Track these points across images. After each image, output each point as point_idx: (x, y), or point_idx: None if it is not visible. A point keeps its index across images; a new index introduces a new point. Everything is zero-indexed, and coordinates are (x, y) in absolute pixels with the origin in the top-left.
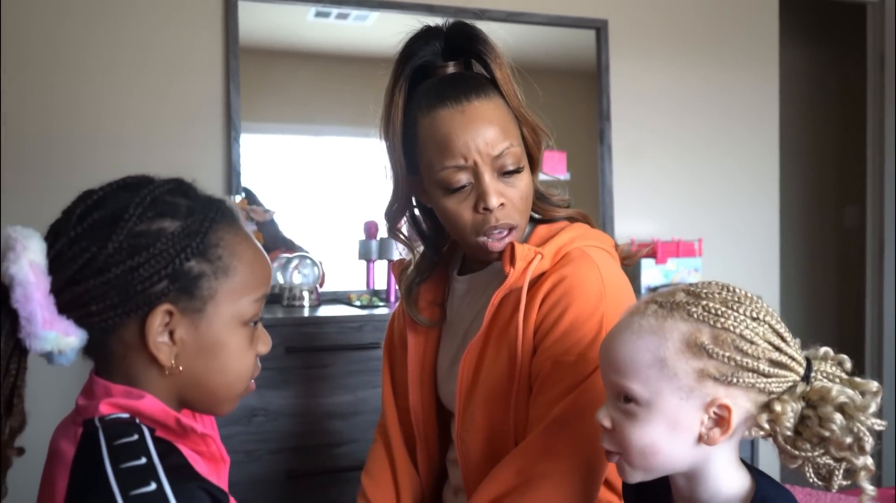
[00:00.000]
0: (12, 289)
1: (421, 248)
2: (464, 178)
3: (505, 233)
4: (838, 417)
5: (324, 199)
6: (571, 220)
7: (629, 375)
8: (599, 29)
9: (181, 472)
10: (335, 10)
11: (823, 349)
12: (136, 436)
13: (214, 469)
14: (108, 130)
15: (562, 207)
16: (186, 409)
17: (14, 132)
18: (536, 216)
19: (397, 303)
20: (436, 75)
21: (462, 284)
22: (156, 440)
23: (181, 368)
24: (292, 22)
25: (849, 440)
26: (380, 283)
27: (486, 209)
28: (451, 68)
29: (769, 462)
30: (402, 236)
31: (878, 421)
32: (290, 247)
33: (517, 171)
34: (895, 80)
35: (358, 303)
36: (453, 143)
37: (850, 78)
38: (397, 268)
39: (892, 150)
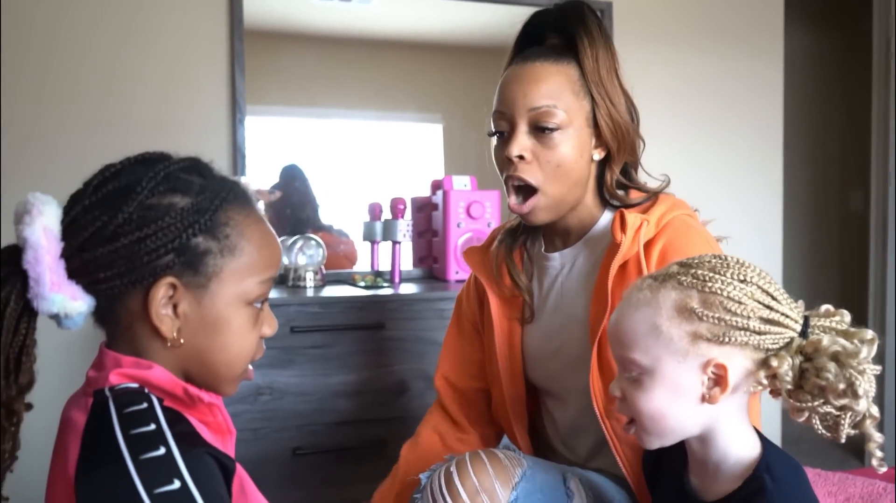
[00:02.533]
0: (24, 251)
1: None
2: (503, 125)
3: (525, 191)
4: (832, 366)
5: (329, 181)
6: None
7: (630, 346)
8: (603, 11)
9: (189, 439)
10: None
11: (825, 307)
12: (145, 405)
13: (220, 440)
14: (113, 114)
15: (645, 191)
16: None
17: (17, 116)
18: (615, 203)
19: (463, 289)
20: (543, 44)
21: (555, 262)
22: (164, 409)
23: (182, 342)
24: (297, 4)
25: (842, 386)
26: (384, 264)
27: (507, 157)
28: (553, 40)
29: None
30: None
31: (872, 366)
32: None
33: (552, 130)
34: None
35: (362, 283)
36: (503, 92)
37: (855, 63)
38: (481, 248)
39: None
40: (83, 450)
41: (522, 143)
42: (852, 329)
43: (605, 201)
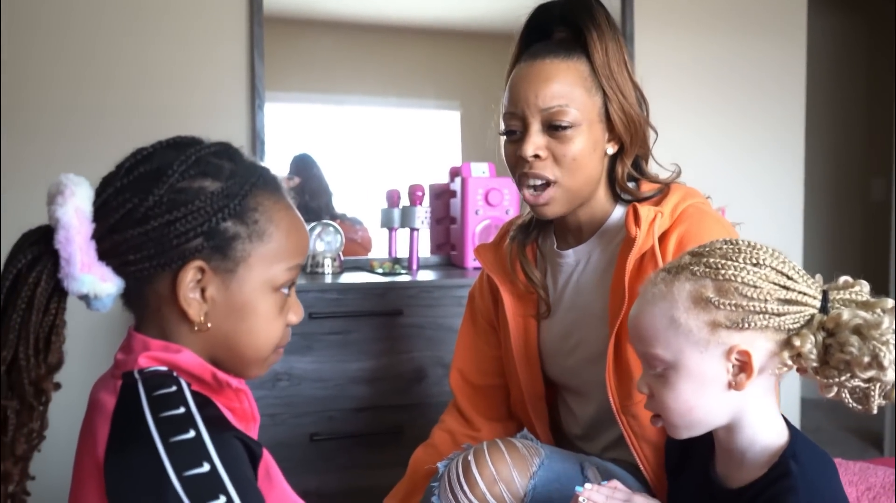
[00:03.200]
0: (56, 231)
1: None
2: (515, 124)
3: (540, 185)
4: (855, 339)
5: (347, 168)
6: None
7: (651, 342)
8: None
9: (218, 422)
10: None
11: (843, 278)
12: (174, 388)
13: (245, 426)
14: (133, 98)
15: (658, 182)
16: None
17: (34, 100)
18: (627, 198)
19: (475, 286)
20: (550, 38)
21: (569, 258)
22: (193, 393)
23: (210, 325)
24: None
25: (867, 359)
26: (402, 251)
27: (521, 156)
28: (562, 34)
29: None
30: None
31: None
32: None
33: (566, 128)
34: None
35: (380, 270)
36: (513, 92)
37: (880, 48)
38: (492, 245)
39: None
40: (113, 432)
41: (537, 142)
42: (872, 299)
43: (616, 195)
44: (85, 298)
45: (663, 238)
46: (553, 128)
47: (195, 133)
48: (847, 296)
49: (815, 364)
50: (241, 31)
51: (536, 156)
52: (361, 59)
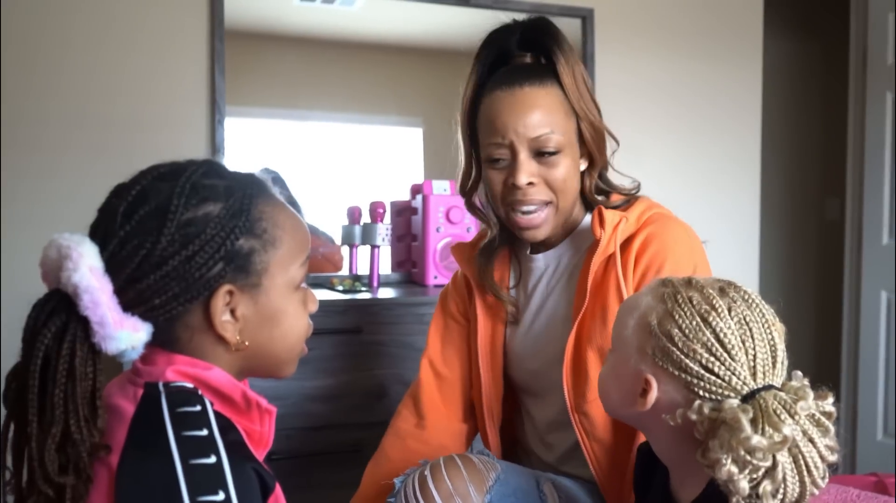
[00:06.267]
0: (79, 297)
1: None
2: (502, 153)
3: (534, 209)
4: (723, 432)
5: (308, 184)
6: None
7: (615, 322)
8: (585, 18)
9: (239, 451)
10: None
11: (796, 382)
12: (198, 407)
13: (257, 451)
14: (93, 110)
15: (623, 193)
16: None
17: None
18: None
19: (449, 285)
20: (511, 63)
21: (539, 262)
22: (216, 414)
23: (247, 343)
24: (278, 5)
25: (717, 457)
26: (362, 268)
27: (515, 185)
28: (525, 58)
29: None
30: (479, 211)
31: (762, 462)
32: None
33: (553, 153)
34: (876, 74)
35: (340, 287)
36: (497, 122)
37: (833, 71)
38: (469, 245)
39: (872, 144)
40: (130, 439)
41: (529, 169)
42: (771, 422)
43: (586, 205)
44: (121, 353)
45: (629, 241)
46: (541, 154)
47: (154, 147)
48: (777, 405)
49: (699, 437)
50: (201, 46)
51: (530, 183)
52: (324, 75)
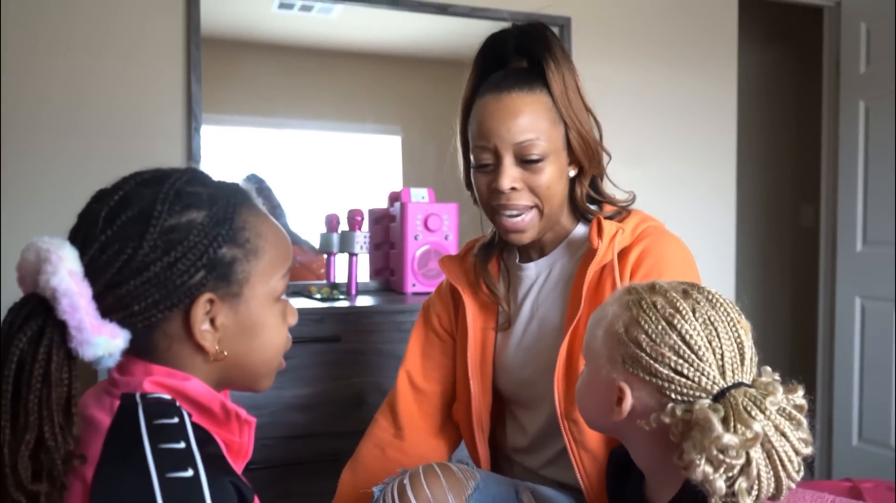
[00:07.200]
0: (57, 301)
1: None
2: (487, 157)
3: (518, 213)
4: (696, 434)
5: (285, 192)
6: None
7: (587, 334)
8: (562, 27)
9: (217, 464)
10: (299, 2)
11: (766, 377)
12: (176, 419)
13: (235, 462)
14: (68, 116)
15: (616, 205)
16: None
17: None
18: (590, 217)
19: (433, 296)
20: (506, 68)
21: (529, 271)
22: (194, 426)
23: (225, 353)
24: (256, 13)
25: (692, 458)
26: (340, 277)
27: (498, 189)
28: (520, 63)
29: None
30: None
31: (734, 460)
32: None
33: (537, 161)
34: (849, 83)
35: (318, 295)
36: (483, 127)
37: (807, 79)
38: (457, 256)
39: (845, 152)
40: (105, 452)
41: (512, 174)
42: (742, 421)
43: (577, 214)
44: (98, 360)
45: (625, 253)
46: (525, 161)
47: (129, 155)
48: (746, 402)
49: (674, 439)
50: (178, 53)
51: (513, 188)
52: (302, 83)
